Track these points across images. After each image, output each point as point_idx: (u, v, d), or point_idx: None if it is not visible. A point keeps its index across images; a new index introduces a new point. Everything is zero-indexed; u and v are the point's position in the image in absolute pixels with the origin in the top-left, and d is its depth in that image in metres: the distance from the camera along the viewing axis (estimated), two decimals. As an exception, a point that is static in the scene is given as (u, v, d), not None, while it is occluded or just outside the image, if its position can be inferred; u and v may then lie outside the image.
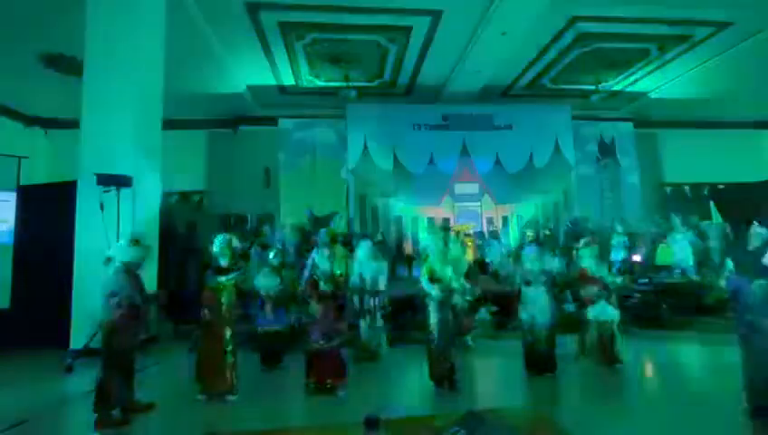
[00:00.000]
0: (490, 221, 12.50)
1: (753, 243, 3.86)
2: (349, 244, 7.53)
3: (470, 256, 9.09)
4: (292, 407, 4.50)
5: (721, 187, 13.20)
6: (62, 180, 6.92)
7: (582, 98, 11.99)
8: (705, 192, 13.38)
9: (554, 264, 6.27)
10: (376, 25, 8.52)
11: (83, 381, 4.85)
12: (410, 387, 4.99)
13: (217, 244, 4.66)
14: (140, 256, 4.18)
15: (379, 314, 5.80)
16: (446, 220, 12.00)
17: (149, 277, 5.61)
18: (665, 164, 13.85)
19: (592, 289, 5.33)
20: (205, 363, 4.47)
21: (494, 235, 11.39)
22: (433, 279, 4.68)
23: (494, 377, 5.38)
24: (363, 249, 5.97)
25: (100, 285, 4.12)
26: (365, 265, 5.86)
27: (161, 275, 6.69)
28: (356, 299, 5.80)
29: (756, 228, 3.88)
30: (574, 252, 6.40)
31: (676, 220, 9.68)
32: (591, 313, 5.31)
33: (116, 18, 6.41)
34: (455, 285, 4.83)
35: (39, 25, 7.56)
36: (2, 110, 10.89)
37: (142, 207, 6.43)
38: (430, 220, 11.85)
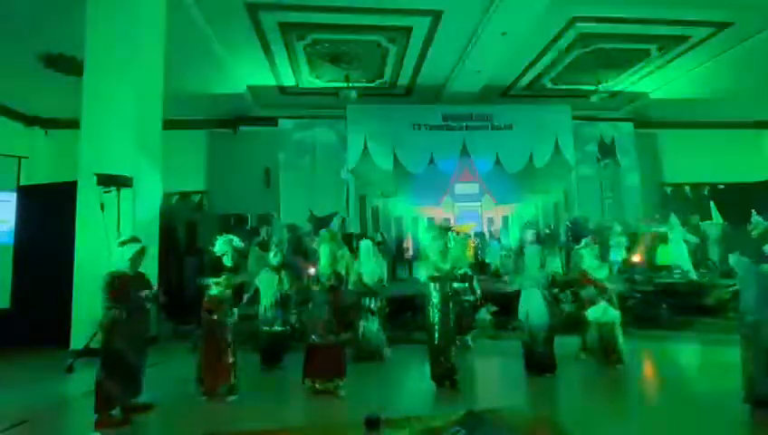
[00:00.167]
0: (490, 221, 12.50)
1: (754, 232, 3.91)
2: (349, 244, 7.53)
3: (470, 256, 9.07)
4: (292, 407, 4.50)
5: (721, 187, 13.19)
6: (63, 181, 6.93)
7: (582, 98, 11.98)
8: (706, 192, 13.38)
9: (555, 264, 6.26)
10: (376, 26, 8.53)
11: (84, 381, 4.84)
12: (410, 387, 4.99)
13: (219, 244, 4.66)
14: (135, 254, 4.17)
15: (378, 315, 5.80)
16: (447, 220, 12.00)
17: (150, 278, 5.59)
18: (665, 164, 13.85)
19: (591, 290, 5.34)
20: (206, 363, 4.48)
21: (494, 235, 11.41)
22: (432, 278, 4.69)
23: (494, 377, 5.38)
24: (363, 249, 5.98)
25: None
26: (365, 265, 5.87)
27: (161, 275, 6.69)
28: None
29: (755, 217, 3.94)
30: (574, 252, 6.40)
31: (675, 220, 9.68)
32: (592, 314, 5.32)
33: (116, 18, 6.42)
34: (455, 284, 4.83)
35: (39, 25, 7.56)
36: (2, 110, 10.88)
37: (142, 207, 6.44)
38: (430, 220, 11.85)
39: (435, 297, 4.67)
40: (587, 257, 5.49)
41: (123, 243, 4.22)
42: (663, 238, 9.84)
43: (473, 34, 8.66)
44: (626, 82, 11.55)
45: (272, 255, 5.74)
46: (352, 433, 3.23)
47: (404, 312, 7.04)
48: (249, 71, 10.18)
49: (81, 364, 5.39)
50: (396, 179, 12.04)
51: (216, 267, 4.61)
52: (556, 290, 5.36)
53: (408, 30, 8.69)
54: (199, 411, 4.20)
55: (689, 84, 11.41)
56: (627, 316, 6.98)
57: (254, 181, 12.01)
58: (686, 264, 9.16)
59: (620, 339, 5.21)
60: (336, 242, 4.83)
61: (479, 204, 12.69)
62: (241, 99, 11.40)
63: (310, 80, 10.84)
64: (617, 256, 9.81)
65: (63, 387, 5.11)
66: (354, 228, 11.38)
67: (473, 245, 10.30)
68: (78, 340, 5.76)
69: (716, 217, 12.26)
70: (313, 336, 4.61)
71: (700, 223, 11.01)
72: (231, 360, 4.48)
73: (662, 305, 7.54)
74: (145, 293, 4.22)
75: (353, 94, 10.68)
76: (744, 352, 3.84)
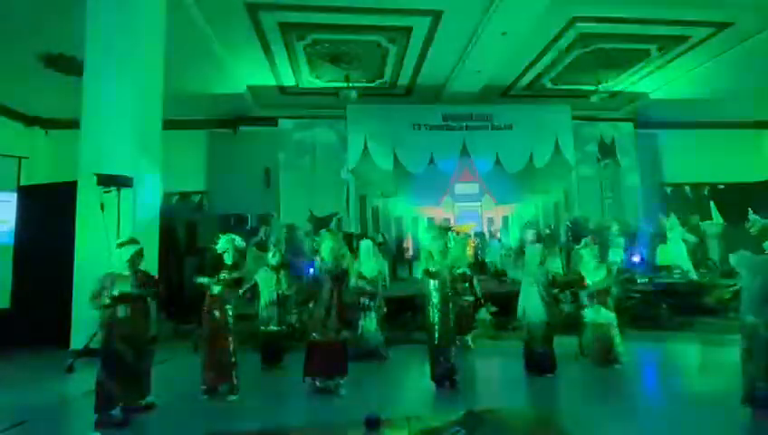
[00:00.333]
0: (490, 221, 12.50)
1: (753, 230, 3.93)
2: (348, 244, 7.54)
3: (470, 256, 9.08)
4: (292, 407, 4.51)
5: (721, 187, 13.19)
6: (63, 181, 6.93)
7: (582, 98, 11.98)
8: (706, 192, 13.38)
9: (555, 264, 6.27)
10: (376, 26, 8.52)
11: (84, 381, 4.85)
12: (411, 387, 4.99)
13: (222, 242, 4.67)
14: (132, 255, 4.17)
15: (377, 315, 5.80)
16: (447, 220, 12.00)
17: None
18: (665, 164, 13.83)
19: (584, 293, 5.35)
20: (207, 363, 4.49)
21: (494, 235, 11.42)
22: (431, 275, 4.68)
23: (494, 377, 5.38)
24: (363, 249, 5.98)
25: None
26: (365, 265, 5.87)
27: (161, 275, 6.68)
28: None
29: (752, 215, 3.96)
30: (574, 252, 6.41)
31: (674, 220, 9.68)
32: (588, 315, 5.33)
33: (116, 18, 6.41)
34: (455, 284, 4.83)
35: (39, 25, 7.55)
36: (2, 110, 10.88)
37: (142, 207, 6.43)
38: (430, 220, 11.85)
39: (435, 297, 4.67)
40: (586, 258, 5.49)
41: (121, 244, 4.22)
42: (663, 238, 9.86)
43: (473, 34, 8.65)
44: (626, 82, 11.54)
45: (270, 254, 5.75)
46: (352, 433, 3.24)
47: (404, 312, 7.04)
48: (249, 71, 10.18)
49: (81, 364, 5.39)
50: (396, 179, 12.03)
51: (217, 266, 4.62)
52: (556, 290, 5.35)
53: (408, 30, 8.69)
54: (199, 411, 4.20)
55: (689, 84, 11.40)
56: (626, 316, 7.04)
57: (254, 181, 12.00)
58: (686, 264, 9.16)
59: (617, 340, 5.21)
60: (337, 241, 4.83)
61: (479, 204, 12.69)
62: (241, 99, 11.39)
63: (310, 80, 10.84)
64: (615, 256, 9.82)
65: (63, 387, 5.11)
66: (354, 228, 11.39)
67: (473, 245, 10.30)
68: (78, 340, 5.75)
69: (716, 218, 12.25)
70: (314, 334, 4.61)
71: (700, 223, 11.00)
72: (232, 359, 4.49)
73: (662, 305, 7.54)
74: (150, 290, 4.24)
75: (353, 94, 10.68)
76: (744, 353, 3.83)
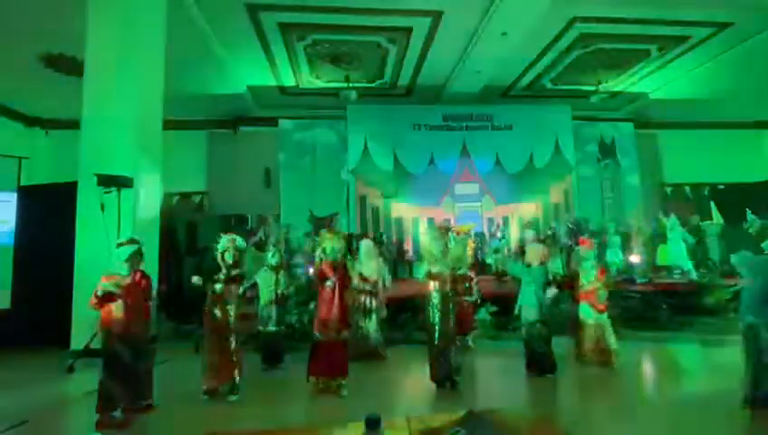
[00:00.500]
0: (490, 221, 12.49)
1: (751, 230, 3.93)
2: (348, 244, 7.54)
3: (470, 256, 9.07)
4: (292, 407, 4.50)
5: (721, 187, 13.19)
6: (63, 181, 6.92)
7: (583, 98, 11.98)
8: (706, 193, 13.38)
9: (556, 264, 6.28)
10: (376, 26, 8.52)
11: (84, 381, 4.86)
12: (411, 387, 4.99)
13: (223, 241, 4.68)
14: (131, 255, 4.17)
15: (377, 316, 5.80)
16: (447, 221, 11.99)
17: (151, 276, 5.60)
18: (665, 164, 13.83)
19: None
20: (208, 363, 4.49)
21: (495, 235, 11.40)
22: (433, 278, 4.68)
23: (494, 377, 5.37)
24: (363, 249, 5.98)
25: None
26: (365, 265, 5.87)
27: (161, 275, 6.69)
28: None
29: (750, 216, 3.97)
30: (574, 253, 6.41)
31: (674, 220, 9.68)
32: (582, 315, 5.37)
33: (116, 18, 6.41)
34: (456, 285, 4.83)
35: (39, 25, 7.55)
36: (2, 110, 10.88)
37: (142, 207, 6.43)
38: (430, 221, 11.84)
39: (435, 297, 4.67)
40: (585, 258, 5.51)
41: (120, 244, 4.22)
42: (663, 238, 9.86)
43: (473, 34, 8.66)
44: (626, 82, 11.54)
45: (270, 254, 5.75)
46: (352, 433, 3.23)
47: (404, 312, 7.04)
48: (249, 71, 10.18)
49: (82, 365, 5.40)
50: (396, 180, 12.04)
51: (217, 266, 4.62)
52: (556, 291, 5.35)
53: (408, 30, 8.69)
54: (199, 411, 4.20)
55: (689, 84, 11.40)
56: (626, 317, 7.05)
57: (255, 182, 12.01)
58: (687, 264, 9.16)
59: (611, 339, 5.22)
60: (338, 241, 4.82)
61: (479, 204, 12.68)
62: (241, 99, 11.40)
63: (310, 80, 10.84)
64: (614, 256, 9.82)
65: (64, 387, 5.11)
66: (354, 229, 11.39)
67: (473, 245, 10.29)
68: (78, 340, 5.74)
69: (717, 218, 12.25)
70: (317, 333, 4.62)
71: (700, 223, 10.99)
72: (234, 359, 4.49)
73: (662, 306, 7.54)
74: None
75: (353, 95, 10.69)
76: (745, 354, 3.83)
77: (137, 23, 6.54)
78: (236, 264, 4.69)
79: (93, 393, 3.97)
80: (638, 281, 8.44)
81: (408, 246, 11.75)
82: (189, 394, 4.46)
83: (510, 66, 10.41)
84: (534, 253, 5.21)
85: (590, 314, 5.29)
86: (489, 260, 10.52)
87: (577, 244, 6.41)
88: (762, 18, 8.37)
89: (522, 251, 5.31)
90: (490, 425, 2.14)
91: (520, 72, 10.90)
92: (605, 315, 5.29)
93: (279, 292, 5.57)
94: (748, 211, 4.07)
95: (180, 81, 8.97)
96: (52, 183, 7.67)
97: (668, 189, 13.71)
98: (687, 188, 13.66)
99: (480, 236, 11.49)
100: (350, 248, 6.24)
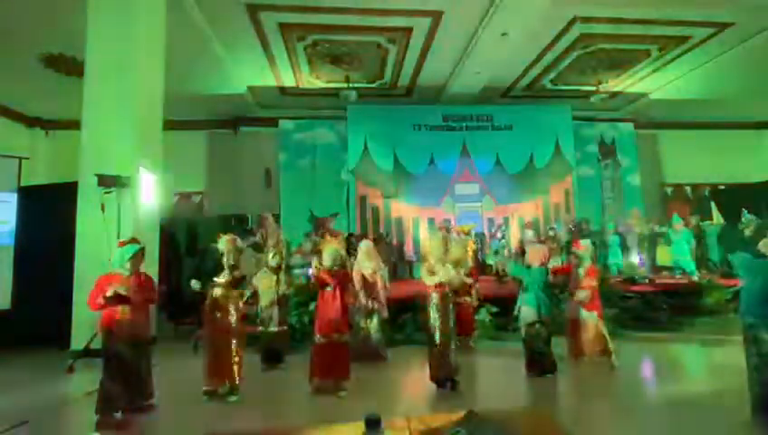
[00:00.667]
0: (491, 222, 12.49)
1: (747, 231, 3.92)
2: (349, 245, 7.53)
3: (470, 256, 9.07)
4: (292, 407, 4.51)
5: (721, 187, 13.19)
6: (63, 181, 6.93)
7: (583, 99, 11.99)
8: (706, 193, 13.38)
9: (556, 263, 6.28)
10: (376, 26, 8.52)
11: (84, 381, 4.86)
12: (411, 387, 4.99)
13: (223, 241, 4.67)
14: (133, 255, 4.17)
15: (377, 316, 5.80)
16: (447, 221, 11.98)
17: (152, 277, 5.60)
18: (665, 165, 13.84)
19: (584, 292, 5.36)
20: (209, 363, 4.49)
21: (495, 235, 11.40)
22: (432, 275, 4.68)
23: (494, 377, 5.37)
24: (364, 249, 5.97)
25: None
26: (365, 265, 5.86)
27: (161, 275, 6.69)
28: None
29: (746, 215, 3.96)
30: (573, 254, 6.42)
31: (677, 220, 9.67)
32: (579, 314, 5.39)
33: (116, 18, 6.40)
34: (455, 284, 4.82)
35: (39, 25, 7.56)
36: (2, 110, 10.89)
37: (142, 207, 6.43)
38: (431, 221, 11.85)
39: (435, 298, 4.67)
40: (584, 258, 5.52)
41: (122, 244, 4.23)
42: (662, 238, 9.85)
43: (473, 35, 8.66)
44: (626, 82, 11.54)
45: (270, 256, 5.75)
46: (352, 433, 3.22)
47: (404, 313, 7.03)
48: (249, 71, 10.18)
49: (82, 365, 5.40)
50: (396, 180, 12.05)
51: (219, 265, 4.63)
52: (556, 291, 5.36)
53: (408, 30, 8.69)
54: (199, 411, 4.20)
55: (689, 84, 11.39)
56: (626, 317, 7.05)
57: (255, 182, 12.02)
58: (689, 264, 9.15)
59: (605, 337, 5.25)
60: (337, 251, 4.83)
61: (480, 204, 12.67)
62: (241, 99, 11.40)
63: (310, 80, 10.84)
64: (614, 256, 9.82)
65: (64, 387, 5.11)
66: (354, 229, 11.39)
67: (473, 246, 10.28)
68: (78, 340, 5.75)
69: (717, 218, 12.25)
70: (319, 335, 4.61)
71: (700, 223, 10.99)
72: (233, 360, 4.48)
73: (662, 306, 7.53)
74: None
75: (353, 95, 10.69)
76: (747, 356, 3.79)
77: (137, 23, 6.53)
78: (236, 266, 4.69)
79: (93, 393, 3.97)
80: (638, 281, 8.44)
81: (409, 247, 11.75)
82: (189, 394, 4.46)
83: (510, 66, 10.41)
84: (535, 254, 5.20)
85: (582, 312, 5.36)
86: (489, 261, 10.52)
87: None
88: (762, 18, 8.36)
89: (522, 252, 5.30)
90: (490, 425, 2.13)
91: (520, 73, 10.90)
92: (594, 314, 5.31)
93: (279, 293, 5.56)
94: (744, 211, 4.05)
95: (180, 81, 8.97)
96: (53, 183, 7.67)
97: (668, 189, 13.71)
98: (687, 189, 13.66)
99: (480, 236, 11.49)
100: (350, 249, 6.23)
